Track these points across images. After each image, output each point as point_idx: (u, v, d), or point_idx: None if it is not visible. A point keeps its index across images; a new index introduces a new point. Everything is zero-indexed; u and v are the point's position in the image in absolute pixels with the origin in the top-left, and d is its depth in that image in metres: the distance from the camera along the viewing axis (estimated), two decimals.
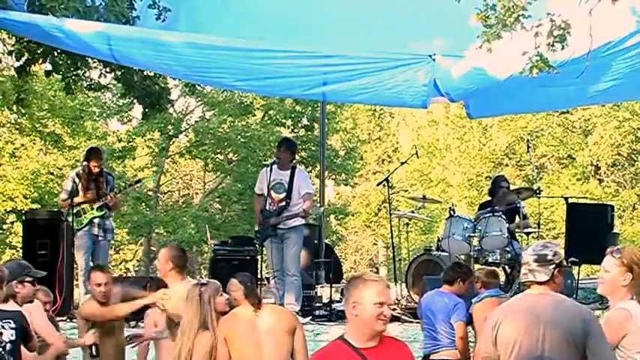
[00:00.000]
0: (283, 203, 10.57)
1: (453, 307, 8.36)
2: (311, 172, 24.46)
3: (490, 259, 11.62)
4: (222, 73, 8.61)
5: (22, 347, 6.04)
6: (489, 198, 12.48)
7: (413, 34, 8.94)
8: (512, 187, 12.73)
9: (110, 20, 8.95)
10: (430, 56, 7.83)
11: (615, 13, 7.03)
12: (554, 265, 5.25)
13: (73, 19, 8.41)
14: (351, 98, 8.51)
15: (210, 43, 8.31)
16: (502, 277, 12.31)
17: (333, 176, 27.52)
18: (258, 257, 11.33)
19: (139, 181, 16.16)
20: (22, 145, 25.06)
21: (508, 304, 5.44)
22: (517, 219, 11.80)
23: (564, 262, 5.51)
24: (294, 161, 10.98)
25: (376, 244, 33.34)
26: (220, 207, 29.17)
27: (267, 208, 10.59)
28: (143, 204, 27.52)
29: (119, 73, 11.11)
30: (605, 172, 29.37)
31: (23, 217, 13.88)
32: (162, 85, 11.80)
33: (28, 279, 6.47)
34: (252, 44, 8.35)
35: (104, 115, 27.09)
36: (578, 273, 12.01)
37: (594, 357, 5.06)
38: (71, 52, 9.46)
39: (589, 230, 11.90)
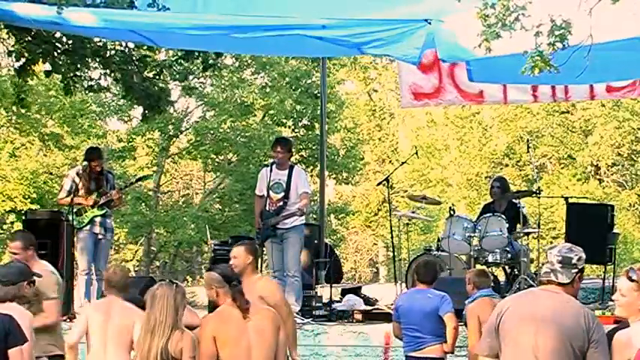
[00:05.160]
0: (281, 203, 10.57)
1: (440, 300, 8.27)
2: (311, 171, 24.46)
3: (490, 259, 11.63)
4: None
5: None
6: (491, 199, 12.52)
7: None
8: (511, 188, 12.76)
9: None
10: (426, 20, 7.87)
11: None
12: (577, 270, 5.29)
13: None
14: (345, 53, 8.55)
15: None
16: (502, 277, 12.33)
17: (334, 175, 27.49)
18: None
19: (142, 178, 16.13)
20: (22, 144, 25.04)
21: (516, 296, 5.55)
22: (518, 226, 11.81)
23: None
24: (291, 159, 11.01)
25: (376, 244, 33.32)
26: (220, 207, 29.13)
27: (266, 209, 10.60)
28: (143, 204, 27.49)
29: (119, 75, 11.09)
30: (605, 172, 29.36)
31: (23, 217, 13.89)
32: (162, 87, 11.78)
33: (34, 279, 6.42)
34: (245, 20, 8.40)
35: (104, 114, 27.06)
36: None
37: None
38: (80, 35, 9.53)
39: (589, 230, 11.89)
